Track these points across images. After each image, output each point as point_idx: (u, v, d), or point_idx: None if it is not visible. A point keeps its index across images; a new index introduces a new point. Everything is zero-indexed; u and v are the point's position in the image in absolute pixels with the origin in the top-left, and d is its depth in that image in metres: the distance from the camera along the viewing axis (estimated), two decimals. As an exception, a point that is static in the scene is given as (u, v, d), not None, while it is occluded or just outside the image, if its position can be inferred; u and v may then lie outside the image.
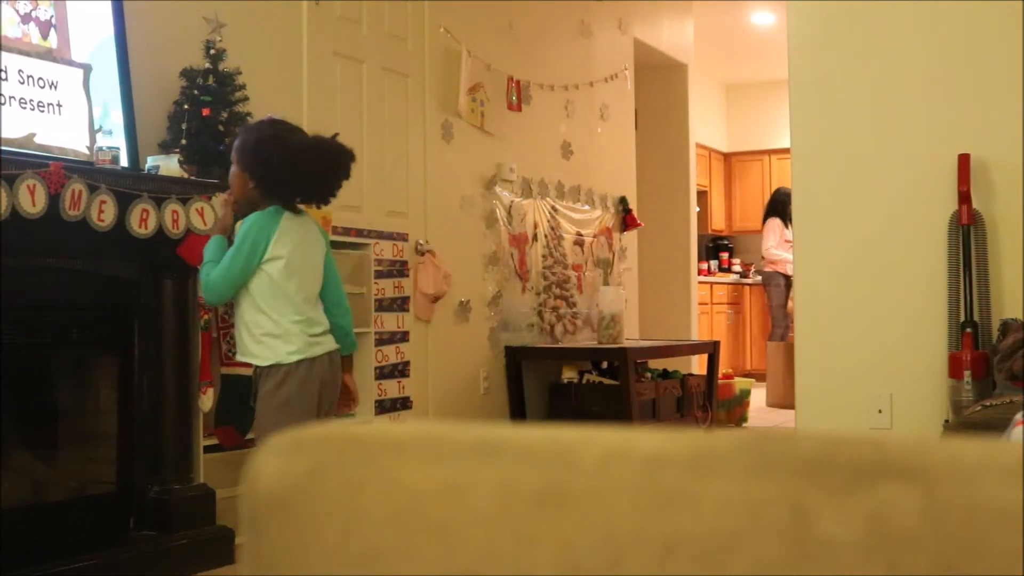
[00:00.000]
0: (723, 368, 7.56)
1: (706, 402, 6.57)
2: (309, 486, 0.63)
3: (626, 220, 7.30)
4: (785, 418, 7.26)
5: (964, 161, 3.91)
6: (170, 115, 3.81)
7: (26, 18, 3.40)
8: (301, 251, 3.10)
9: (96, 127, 3.52)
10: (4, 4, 3.32)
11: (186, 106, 3.77)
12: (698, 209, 8.96)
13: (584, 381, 6.13)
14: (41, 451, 3.59)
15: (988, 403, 3.33)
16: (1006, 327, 3.67)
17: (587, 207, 6.85)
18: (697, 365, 7.81)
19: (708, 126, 10.41)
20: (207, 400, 3.74)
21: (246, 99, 3.93)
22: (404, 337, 5.09)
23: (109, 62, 3.65)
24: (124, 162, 3.55)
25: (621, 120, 7.33)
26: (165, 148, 3.73)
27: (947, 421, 3.79)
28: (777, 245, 8.44)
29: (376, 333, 4.80)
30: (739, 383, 7.24)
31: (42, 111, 3.35)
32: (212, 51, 3.86)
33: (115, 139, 3.60)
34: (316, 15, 4.71)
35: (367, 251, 4.79)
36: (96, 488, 3.58)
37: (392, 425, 0.73)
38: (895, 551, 0.52)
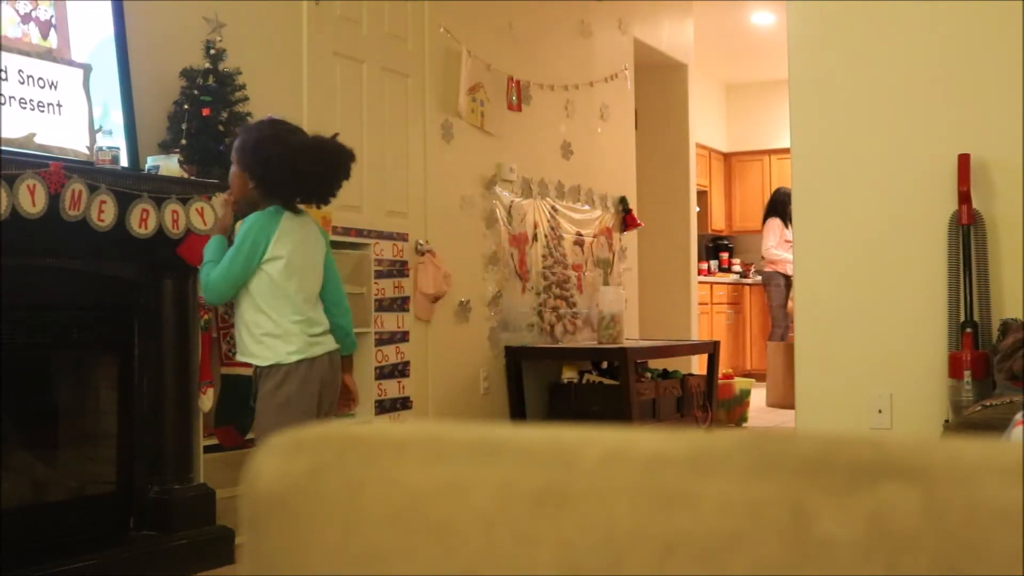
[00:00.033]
0: (723, 368, 7.56)
1: (706, 402, 6.57)
2: (309, 486, 0.63)
3: (626, 220, 7.30)
4: (785, 418, 7.26)
5: (964, 161, 3.91)
6: (170, 115, 3.81)
7: (26, 18, 3.40)
8: (301, 251, 3.10)
9: (96, 127, 3.52)
10: (4, 4, 3.32)
11: (186, 106, 3.77)
12: (698, 209, 8.96)
13: (584, 381, 6.13)
14: (41, 451, 3.59)
15: (988, 403, 3.33)
16: (1006, 327, 3.67)
17: (587, 207, 6.85)
18: (697, 365, 7.81)
19: (708, 126, 10.41)
20: (207, 400, 3.74)
21: (246, 99, 3.93)
22: (404, 337, 5.09)
23: (109, 62, 3.65)
24: (124, 162, 3.55)
25: (621, 120, 7.33)
26: (165, 148, 3.73)
27: (947, 421, 3.79)
28: (777, 245, 8.44)
29: (376, 333, 4.81)
30: (739, 383, 7.24)
31: (42, 111, 3.35)
32: (212, 51, 3.86)
33: (115, 139, 3.60)
34: (316, 15, 4.71)
35: (367, 251, 4.79)
36: (96, 488, 3.58)
37: (392, 425, 0.73)
38: (895, 551, 0.52)
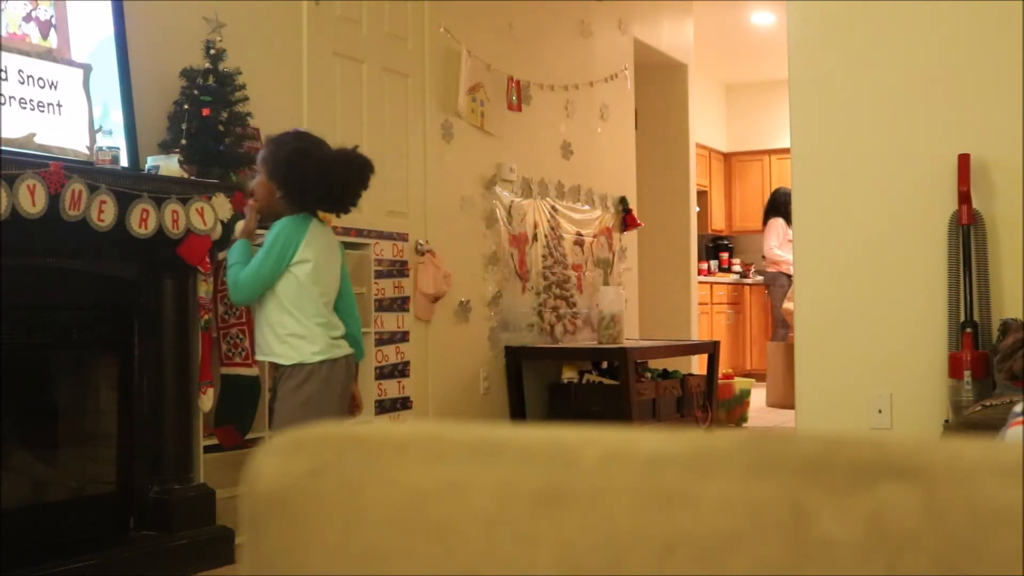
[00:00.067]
0: (723, 368, 7.56)
1: (706, 402, 6.57)
2: (309, 486, 0.63)
3: (626, 220, 7.30)
4: (785, 418, 7.26)
5: (964, 161, 3.91)
6: (170, 115, 3.81)
7: (26, 18, 3.40)
8: (325, 257, 3.22)
9: (96, 127, 3.52)
10: (4, 4, 3.32)
11: (186, 106, 3.77)
12: (698, 209, 8.96)
13: (584, 381, 6.13)
14: (41, 451, 3.59)
15: (988, 403, 3.33)
16: (1006, 327, 3.67)
17: (587, 207, 6.85)
18: (697, 365, 7.81)
19: (708, 126, 10.41)
20: (207, 400, 3.74)
21: (246, 99, 3.93)
22: (404, 337, 5.09)
23: (109, 62, 3.65)
24: (124, 162, 3.55)
25: (621, 120, 7.33)
26: (165, 148, 3.73)
27: (947, 421, 3.79)
28: (780, 245, 8.43)
29: (376, 333, 4.81)
30: (739, 383, 7.24)
31: (42, 111, 3.35)
32: (212, 51, 3.86)
33: (115, 139, 3.60)
34: (316, 15, 4.71)
35: (367, 251, 4.79)
36: (96, 488, 3.58)
37: (392, 425, 0.73)
38: (895, 551, 0.52)
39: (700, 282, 8.97)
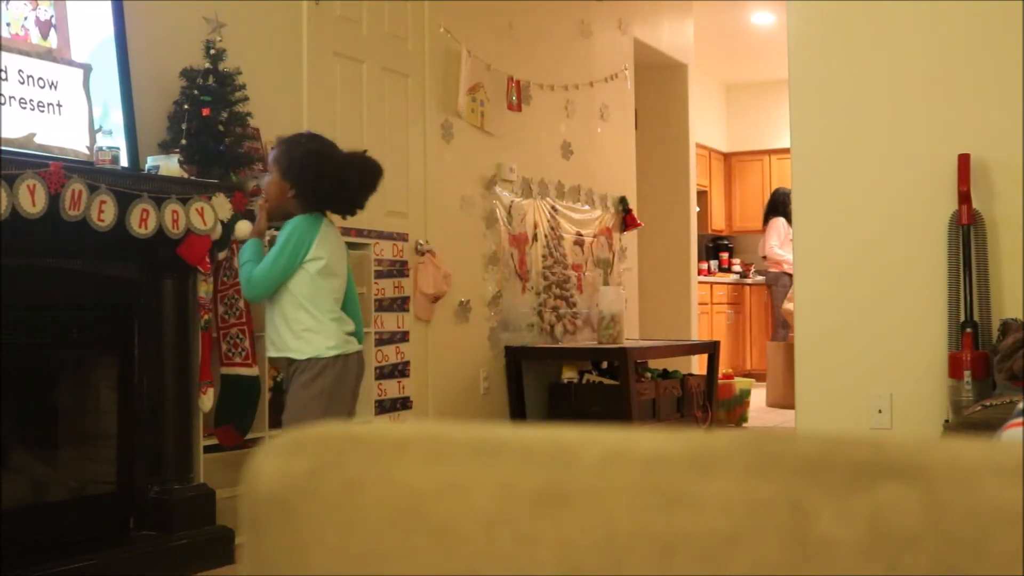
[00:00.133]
0: (723, 368, 7.56)
1: (706, 402, 6.57)
2: (309, 486, 0.63)
3: (626, 220, 7.30)
4: (785, 418, 7.26)
5: (964, 161, 3.91)
6: (170, 115, 3.81)
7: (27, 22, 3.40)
8: (336, 256, 3.29)
9: (96, 127, 3.52)
10: (4, 4, 3.32)
11: (186, 106, 3.77)
12: (698, 209, 8.96)
13: (584, 381, 6.13)
14: (41, 451, 3.59)
15: (988, 403, 3.33)
16: (1006, 327, 3.67)
17: (587, 207, 6.85)
18: (697, 365, 7.81)
19: (708, 126, 10.41)
20: (207, 400, 3.74)
21: (246, 99, 3.93)
22: (404, 337, 5.09)
23: (109, 62, 3.65)
24: (124, 162, 3.55)
25: (621, 120, 7.33)
26: (165, 148, 3.73)
27: (947, 421, 3.79)
28: (781, 245, 8.42)
29: (376, 333, 4.80)
30: (739, 383, 7.24)
31: (42, 111, 3.35)
32: (212, 51, 3.86)
33: (115, 139, 3.60)
34: (316, 15, 4.71)
35: (367, 251, 4.79)
36: (96, 488, 3.58)
37: (392, 425, 0.73)
38: (895, 551, 0.52)
39: (700, 282, 8.97)
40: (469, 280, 5.67)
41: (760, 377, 8.79)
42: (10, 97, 3.26)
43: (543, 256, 6.33)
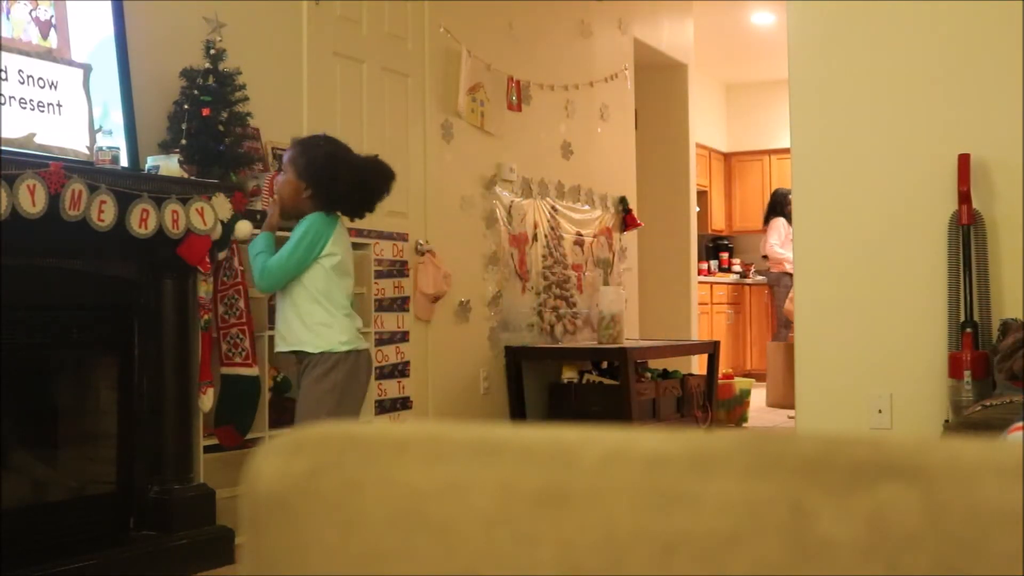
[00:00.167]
0: (723, 368, 7.56)
1: (706, 402, 6.57)
2: (309, 486, 0.63)
3: (626, 220, 7.30)
4: (785, 418, 7.26)
5: (964, 161, 3.91)
6: (170, 115, 3.81)
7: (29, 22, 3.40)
8: (348, 256, 3.37)
9: (96, 127, 3.52)
10: (5, 4, 3.32)
11: (186, 106, 3.77)
12: (698, 209, 8.96)
13: (584, 381, 6.13)
14: (41, 451, 3.59)
15: (988, 403, 3.33)
16: (1006, 327, 3.67)
17: (587, 207, 6.85)
18: (697, 365, 7.81)
19: (708, 126, 10.41)
20: (207, 400, 3.74)
21: (246, 99, 3.93)
22: (404, 337, 5.09)
23: (109, 62, 3.65)
24: (124, 162, 3.55)
25: (621, 120, 7.33)
26: (165, 148, 3.73)
27: (947, 421, 3.79)
28: (782, 244, 8.42)
29: (376, 333, 4.80)
30: (739, 383, 7.24)
31: (42, 111, 3.35)
32: (212, 51, 3.86)
33: (115, 139, 3.60)
34: (316, 15, 4.71)
35: (367, 251, 4.79)
36: (96, 488, 3.58)
37: (392, 425, 0.73)
38: (895, 551, 0.52)
39: (700, 282, 8.97)
40: (469, 280, 5.67)
41: (760, 377, 8.79)
42: (10, 97, 3.26)
43: (543, 256, 6.33)
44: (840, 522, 0.52)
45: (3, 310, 3.17)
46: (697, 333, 8.43)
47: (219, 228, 3.62)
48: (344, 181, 3.28)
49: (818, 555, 0.52)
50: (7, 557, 3.10)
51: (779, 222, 8.52)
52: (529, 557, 0.57)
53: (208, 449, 3.79)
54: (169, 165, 3.57)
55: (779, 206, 8.46)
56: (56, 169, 3.11)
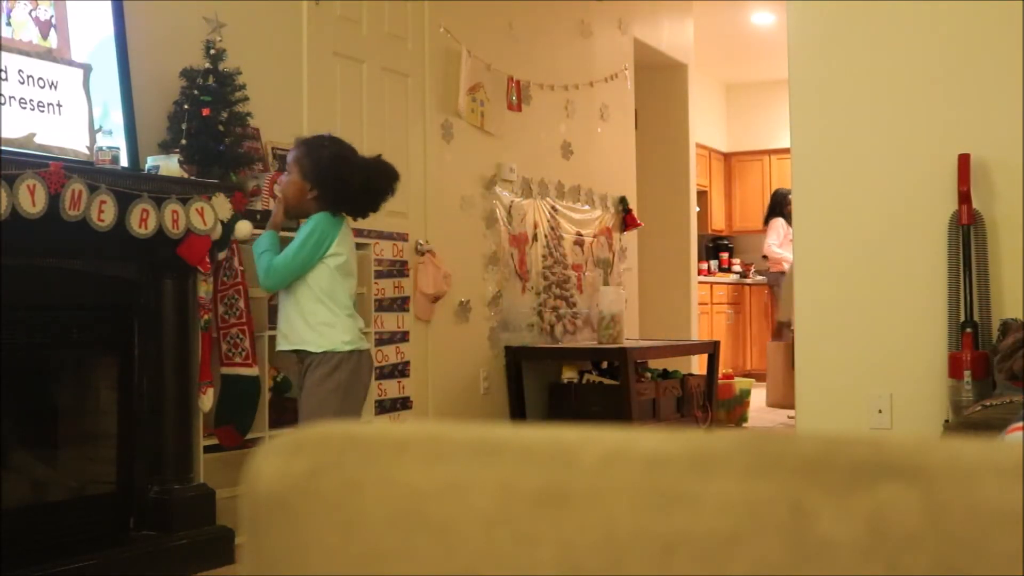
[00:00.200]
0: (723, 368, 7.56)
1: (706, 402, 6.57)
2: (309, 486, 0.63)
3: (626, 220, 7.30)
4: (785, 418, 7.26)
5: (964, 161, 3.91)
6: (170, 115, 3.81)
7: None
8: (353, 256, 3.38)
9: (96, 127, 3.52)
10: (5, 4, 3.32)
11: (186, 106, 3.77)
12: (698, 209, 8.96)
13: (584, 381, 6.13)
14: (41, 451, 3.59)
15: (988, 403, 3.33)
16: (1006, 327, 3.67)
17: (587, 207, 6.85)
18: (697, 365, 7.81)
19: (708, 126, 10.41)
20: (207, 400, 3.74)
21: (246, 99, 3.93)
22: (404, 337, 5.09)
23: (109, 62, 3.65)
24: (124, 162, 3.55)
25: (621, 120, 7.33)
26: (165, 148, 3.73)
27: (947, 421, 3.79)
28: (781, 244, 8.42)
29: (376, 333, 4.80)
30: (739, 383, 7.24)
31: (42, 111, 3.35)
32: (212, 51, 3.86)
33: (115, 139, 3.60)
34: (316, 15, 4.71)
35: (367, 251, 4.79)
36: (96, 488, 3.58)
37: (392, 425, 0.73)
38: (895, 551, 0.52)
39: (700, 282, 8.97)
40: (469, 280, 5.67)
41: (760, 377, 8.79)
42: (10, 97, 3.26)
43: (543, 256, 6.33)
44: (840, 522, 0.52)
45: (3, 310, 3.17)
46: (697, 333, 8.43)
47: (219, 228, 3.62)
48: (350, 182, 3.28)
49: (818, 555, 0.52)
50: (7, 557, 3.10)
51: (778, 222, 8.52)
52: (529, 557, 0.57)
53: (208, 449, 3.79)
54: (169, 165, 3.57)
55: (779, 206, 8.46)
56: (56, 169, 3.11)
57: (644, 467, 0.56)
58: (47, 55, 3.42)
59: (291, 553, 0.64)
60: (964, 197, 3.90)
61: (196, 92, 3.78)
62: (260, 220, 3.91)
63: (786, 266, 7.94)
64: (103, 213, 3.24)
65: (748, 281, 10.31)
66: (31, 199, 3.03)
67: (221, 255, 3.84)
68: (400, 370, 5.03)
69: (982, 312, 3.90)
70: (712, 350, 6.80)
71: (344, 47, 4.85)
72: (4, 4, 3.32)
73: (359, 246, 4.75)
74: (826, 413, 4.15)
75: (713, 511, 0.54)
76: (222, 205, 3.63)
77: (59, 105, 3.41)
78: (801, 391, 4.25)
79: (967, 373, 3.76)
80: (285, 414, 4.06)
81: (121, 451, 3.57)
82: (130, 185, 3.37)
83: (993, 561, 0.51)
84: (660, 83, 8.31)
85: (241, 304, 3.90)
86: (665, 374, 6.53)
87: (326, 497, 0.63)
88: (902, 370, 4.04)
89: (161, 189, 3.46)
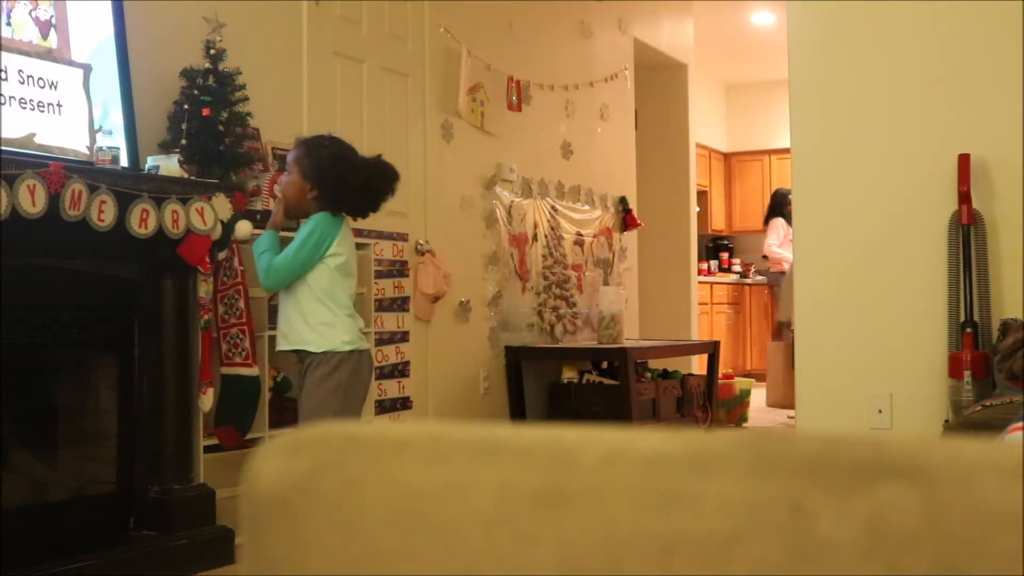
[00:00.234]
0: (723, 368, 7.56)
1: (706, 402, 6.57)
2: (309, 486, 0.63)
3: (626, 220, 7.30)
4: (785, 418, 7.26)
5: (964, 161, 3.91)
6: (170, 115, 3.81)
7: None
8: (353, 257, 3.38)
9: (96, 127, 3.52)
10: (5, 4, 3.32)
11: (186, 106, 3.77)
12: (698, 209, 8.96)
13: (584, 381, 6.13)
14: (41, 451, 3.59)
15: (988, 403, 3.33)
16: (1006, 327, 3.67)
17: (587, 207, 6.85)
18: (697, 365, 7.81)
19: (708, 126, 10.40)
20: (207, 400, 3.74)
21: (246, 99, 3.93)
22: (404, 337, 5.09)
23: (109, 62, 3.65)
24: (124, 162, 3.55)
25: (621, 120, 7.33)
26: (165, 148, 3.73)
27: (947, 421, 3.79)
28: (781, 244, 8.42)
29: (376, 333, 4.80)
30: (739, 383, 7.24)
31: (42, 111, 3.35)
32: (212, 51, 3.86)
33: (115, 139, 3.60)
34: (316, 15, 4.70)
35: (367, 251, 4.79)
36: (96, 488, 3.58)
37: (392, 425, 0.73)
38: (895, 551, 0.52)
39: (700, 282, 8.97)
40: (469, 280, 5.67)
41: (760, 377, 8.79)
42: (10, 97, 3.26)
43: (543, 256, 6.33)
44: (840, 522, 0.52)
45: (3, 310, 3.17)
46: (697, 333, 8.43)
47: (219, 228, 3.62)
48: (350, 182, 3.28)
49: (818, 555, 0.52)
50: (7, 557, 3.10)
51: (778, 222, 8.52)
52: (529, 557, 0.57)
53: (208, 449, 3.79)
54: (169, 165, 3.57)
55: (779, 206, 8.46)
56: (56, 169, 3.11)
57: (644, 467, 0.56)
58: (47, 55, 3.42)
59: (291, 553, 0.64)
60: (964, 197, 3.90)
61: (196, 92, 3.78)
62: (260, 220, 3.91)
63: (786, 266, 7.94)
64: (103, 213, 3.24)
65: (748, 281, 10.31)
66: (31, 199, 3.03)
67: (221, 255, 3.84)
68: (400, 370, 5.03)
69: (982, 312, 3.90)
70: (712, 350, 6.80)
71: (344, 47, 4.85)
72: (4, 4, 3.32)
73: (359, 246, 4.75)
74: (826, 413, 4.15)
75: (713, 511, 0.54)
76: (222, 205, 3.63)
77: (59, 105, 3.41)
78: (801, 391, 4.25)
79: (967, 373, 3.76)
80: (285, 414, 4.06)
81: (121, 451, 3.57)
82: (130, 185, 3.37)
83: (993, 561, 0.51)
84: (660, 83, 8.31)
85: (241, 304, 3.90)
86: (665, 374, 6.53)
87: (326, 497, 0.63)
88: (902, 370, 4.04)
89: (161, 189, 3.46)
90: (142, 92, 3.75)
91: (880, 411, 4.08)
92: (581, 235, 6.75)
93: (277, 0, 4.51)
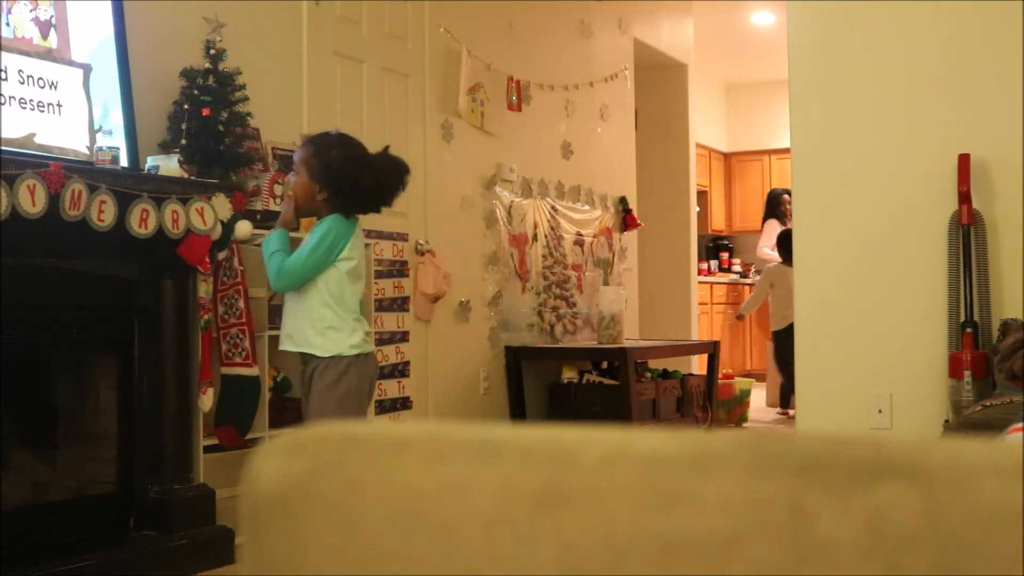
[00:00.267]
0: (723, 368, 7.56)
1: (706, 402, 6.57)
2: (309, 486, 0.63)
3: (626, 220, 7.30)
4: (785, 418, 7.27)
5: (964, 161, 3.90)
6: (170, 115, 3.81)
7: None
8: (363, 261, 3.36)
9: (96, 127, 3.52)
10: (5, 4, 3.32)
11: (186, 106, 3.77)
12: (698, 209, 8.96)
13: (584, 381, 6.13)
14: (41, 451, 3.59)
15: (988, 403, 3.33)
16: (1006, 327, 3.67)
17: (587, 207, 6.85)
18: (697, 365, 7.81)
19: (708, 126, 10.40)
20: (207, 400, 3.74)
21: (246, 99, 3.93)
22: (404, 337, 5.09)
23: (109, 62, 3.65)
24: (124, 162, 3.55)
25: (621, 120, 7.33)
26: (165, 148, 3.73)
27: (947, 421, 3.79)
28: (773, 247, 8.42)
29: (376, 333, 4.80)
30: (739, 383, 7.24)
31: (42, 111, 3.35)
32: (212, 51, 3.86)
33: (115, 139, 3.60)
34: (316, 15, 4.70)
35: (367, 251, 4.79)
36: (96, 488, 3.58)
37: (392, 425, 0.73)
38: (895, 551, 0.52)
39: (700, 282, 8.97)
40: (469, 280, 5.67)
41: (760, 377, 8.78)
42: (10, 97, 3.26)
43: (543, 256, 6.33)
44: (840, 522, 0.52)
45: (3, 310, 3.17)
46: (697, 333, 8.43)
47: (219, 228, 3.62)
48: (362, 183, 3.24)
49: (818, 555, 0.52)
50: (7, 557, 3.10)
51: (772, 224, 8.52)
52: (529, 557, 0.57)
53: (208, 449, 3.79)
54: (169, 165, 3.57)
55: (774, 207, 8.47)
56: (56, 169, 3.11)
57: (644, 467, 0.56)
58: (47, 55, 3.42)
59: (291, 553, 0.64)
60: (964, 197, 3.90)
61: (196, 92, 3.78)
62: (260, 220, 3.91)
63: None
64: (103, 213, 3.24)
65: (748, 281, 10.31)
66: (31, 199, 3.03)
67: (221, 255, 3.84)
68: (400, 370, 5.03)
69: (982, 312, 3.90)
70: (712, 350, 6.80)
71: (344, 47, 4.85)
72: (4, 4, 3.32)
73: (359, 246, 4.77)
74: (826, 413, 4.15)
75: (713, 511, 0.54)
76: (222, 205, 3.63)
77: (59, 105, 3.41)
78: (801, 391, 4.25)
79: (967, 373, 3.76)
80: (285, 414, 4.06)
81: (121, 451, 3.57)
82: (130, 185, 3.37)
83: (993, 561, 0.51)
84: (660, 83, 8.31)
85: (241, 304, 3.90)
86: (665, 374, 6.53)
87: (326, 497, 0.63)
88: (902, 370, 4.04)
89: (161, 189, 3.46)
90: (142, 92, 3.75)
91: (880, 411, 4.08)
92: (581, 235, 6.75)
93: (277, 0, 4.51)
